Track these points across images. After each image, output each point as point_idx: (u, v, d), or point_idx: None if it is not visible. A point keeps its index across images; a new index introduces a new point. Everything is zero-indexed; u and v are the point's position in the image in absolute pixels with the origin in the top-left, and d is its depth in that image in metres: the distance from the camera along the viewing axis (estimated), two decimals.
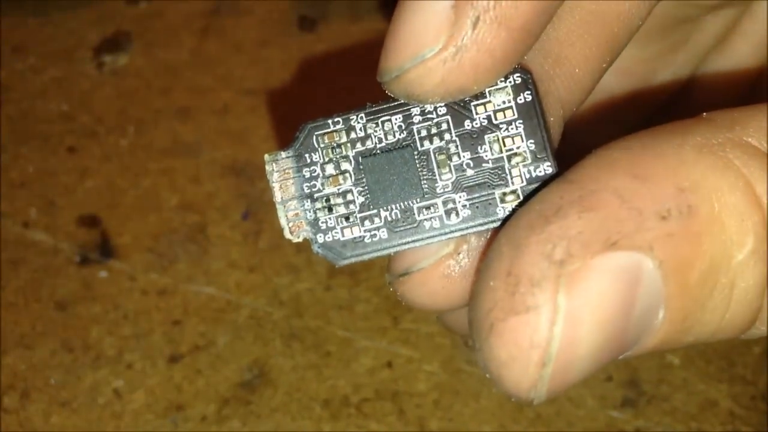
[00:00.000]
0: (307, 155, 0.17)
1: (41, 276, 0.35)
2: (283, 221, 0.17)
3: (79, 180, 0.37)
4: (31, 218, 0.36)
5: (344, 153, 0.16)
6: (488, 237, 0.17)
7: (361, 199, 0.16)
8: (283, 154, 0.17)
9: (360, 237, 0.16)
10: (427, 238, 0.16)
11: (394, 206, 0.16)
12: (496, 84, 0.16)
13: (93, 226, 0.36)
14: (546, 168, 0.16)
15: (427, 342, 0.33)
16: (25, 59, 0.41)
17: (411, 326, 0.33)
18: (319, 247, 0.17)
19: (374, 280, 0.34)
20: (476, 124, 0.16)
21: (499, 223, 0.16)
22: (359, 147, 0.16)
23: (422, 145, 0.16)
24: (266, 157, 0.17)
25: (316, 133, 0.16)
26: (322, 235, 0.16)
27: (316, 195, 0.16)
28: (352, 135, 0.16)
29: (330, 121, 0.16)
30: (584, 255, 0.13)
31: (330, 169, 0.16)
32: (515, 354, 0.14)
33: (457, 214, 0.16)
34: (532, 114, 0.16)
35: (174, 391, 0.32)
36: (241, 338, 0.33)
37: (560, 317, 0.13)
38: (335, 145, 0.16)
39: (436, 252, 0.17)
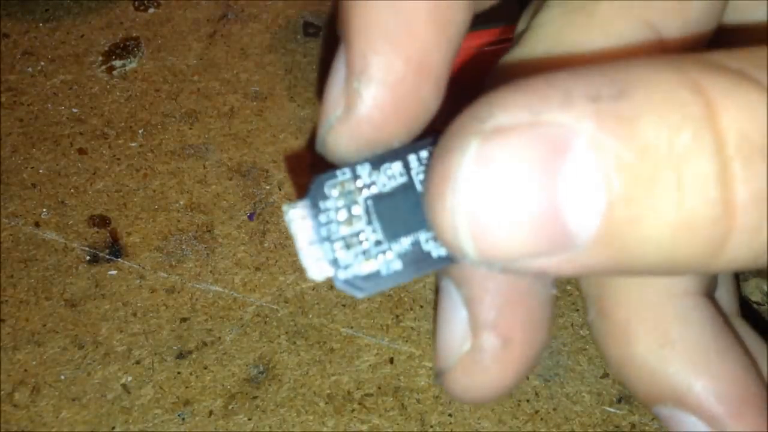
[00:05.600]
0: (321, 203, 0.18)
1: (52, 274, 0.35)
2: (305, 264, 0.18)
3: (90, 181, 0.38)
4: (43, 218, 0.37)
5: (354, 199, 0.18)
6: None
7: (374, 237, 0.18)
8: (300, 204, 0.18)
9: (376, 270, 0.18)
10: (436, 264, 0.18)
11: (403, 240, 0.18)
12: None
13: (103, 226, 0.37)
14: None
15: (428, 339, 0.33)
16: (35, 63, 0.42)
17: (412, 324, 0.34)
18: (340, 284, 0.18)
19: None
20: None
21: None
22: (367, 192, 0.18)
23: (421, 186, 0.18)
24: (284, 207, 0.18)
25: (327, 183, 0.18)
26: (342, 272, 0.18)
27: (333, 237, 0.18)
28: (359, 183, 0.18)
29: (338, 172, 0.18)
30: (505, 117, 0.14)
31: (343, 213, 0.18)
32: (436, 193, 0.14)
33: None
34: None
35: (182, 386, 0.32)
36: (247, 335, 0.34)
37: (471, 153, 0.14)
38: (346, 192, 0.18)
39: (459, 350, 0.19)
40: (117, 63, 0.42)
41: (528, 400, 0.32)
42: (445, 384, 0.20)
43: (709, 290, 0.22)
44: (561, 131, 0.13)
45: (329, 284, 0.35)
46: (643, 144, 0.13)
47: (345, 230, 0.18)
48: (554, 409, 0.32)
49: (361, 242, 0.18)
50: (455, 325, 0.20)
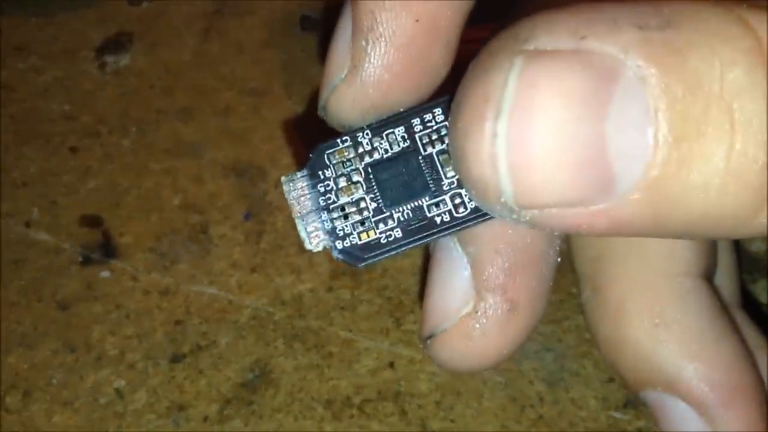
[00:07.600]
0: (320, 172, 0.18)
1: (43, 276, 0.35)
2: (303, 234, 0.18)
3: (82, 180, 0.37)
4: (33, 218, 0.36)
5: (354, 166, 0.18)
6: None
7: (374, 204, 0.17)
8: (298, 174, 0.18)
9: (376, 239, 0.17)
10: (439, 232, 0.17)
11: (405, 207, 0.17)
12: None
13: (95, 226, 0.36)
14: None
15: None
16: (27, 59, 0.41)
17: (413, 327, 0.33)
18: (338, 253, 0.18)
19: (376, 281, 0.34)
20: None
21: None
22: (367, 159, 0.18)
23: (425, 150, 0.17)
24: (282, 178, 0.18)
25: (326, 151, 0.18)
26: (340, 241, 0.17)
27: (331, 206, 0.18)
28: (360, 150, 0.18)
29: (339, 140, 0.18)
30: (548, 39, 0.13)
31: (342, 181, 0.18)
32: (473, 117, 0.13)
33: (465, 206, 0.17)
34: None
35: (176, 391, 0.32)
36: (243, 338, 0.33)
37: (515, 73, 0.12)
38: (345, 160, 0.18)
39: (457, 312, 0.18)
40: (110, 58, 0.41)
41: (532, 405, 0.31)
42: (433, 348, 0.19)
43: (708, 273, 0.21)
44: (608, 61, 0.12)
45: (327, 286, 0.34)
46: (694, 78, 0.12)
47: (344, 199, 0.17)
48: (559, 415, 0.31)
49: (360, 211, 0.17)
50: (454, 286, 0.18)
